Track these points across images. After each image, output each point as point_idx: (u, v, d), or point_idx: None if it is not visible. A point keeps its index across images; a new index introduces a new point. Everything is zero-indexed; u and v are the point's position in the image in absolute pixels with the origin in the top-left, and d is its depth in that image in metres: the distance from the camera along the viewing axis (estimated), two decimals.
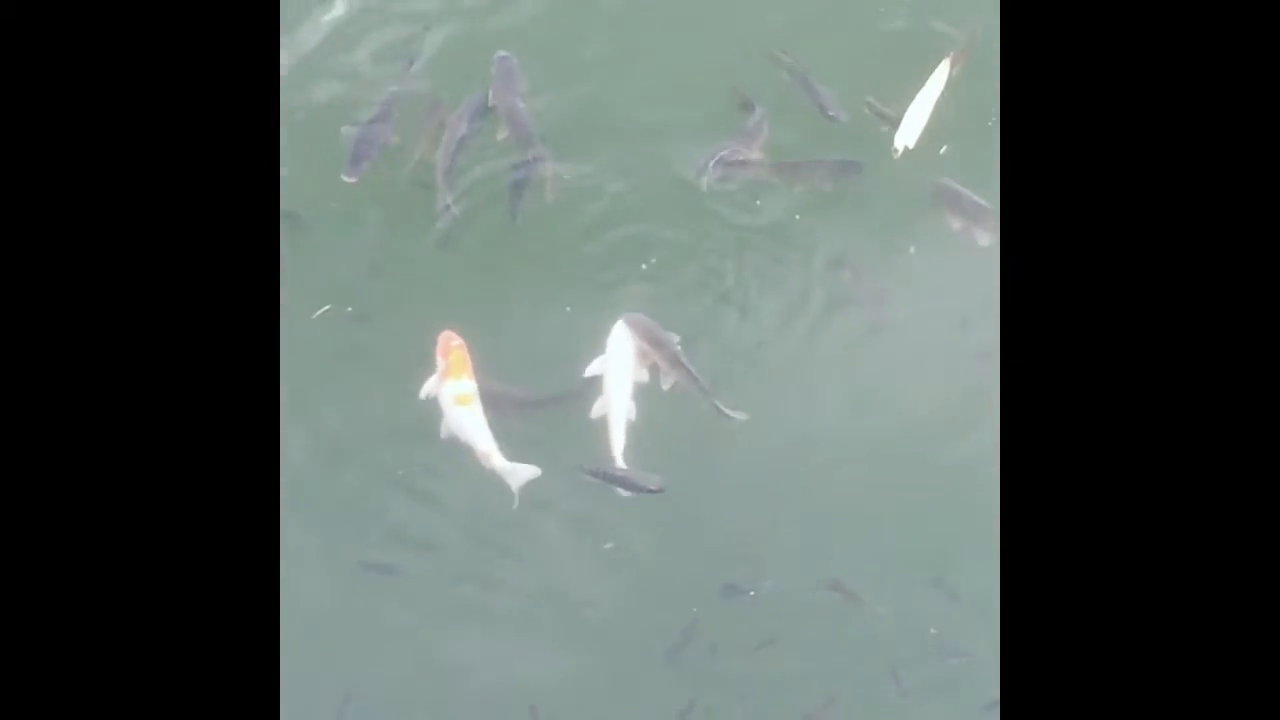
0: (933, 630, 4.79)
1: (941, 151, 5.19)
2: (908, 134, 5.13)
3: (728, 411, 4.66)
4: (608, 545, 4.87)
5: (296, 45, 5.42)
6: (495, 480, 4.63)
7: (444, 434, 4.69)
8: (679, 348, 4.74)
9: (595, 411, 4.73)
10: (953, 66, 5.21)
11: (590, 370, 4.75)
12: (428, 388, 4.72)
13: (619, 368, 4.73)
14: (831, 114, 5.24)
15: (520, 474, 4.61)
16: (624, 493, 4.62)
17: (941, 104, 5.18)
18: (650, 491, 4.62)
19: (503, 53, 5.25)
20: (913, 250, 5.21)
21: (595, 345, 4.78)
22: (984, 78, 3.90)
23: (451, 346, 4.72)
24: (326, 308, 4.99)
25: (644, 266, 5.09)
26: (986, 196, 4.97)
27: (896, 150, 5.14)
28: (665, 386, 4.76)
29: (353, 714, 4.74)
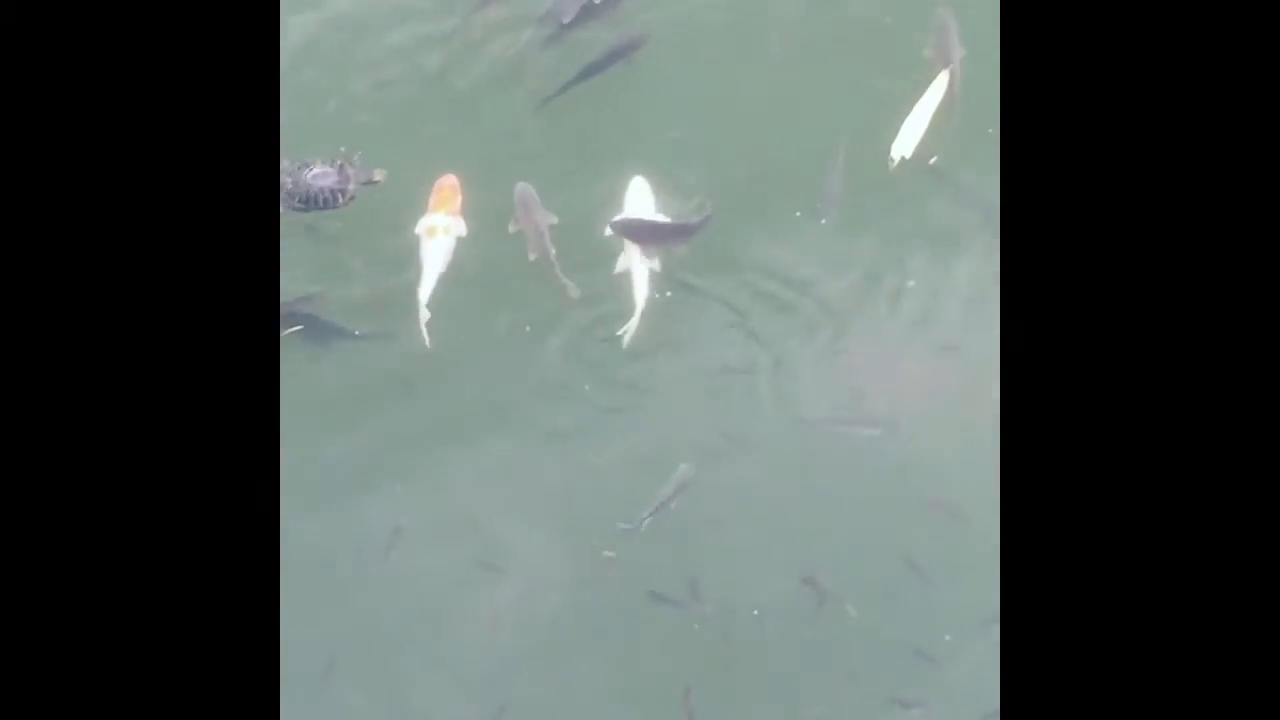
0: (947, 637, 4.79)
1: (932, 162, 5.20)
2: (905, 144, 5.15)
3: (569, 285, 4.94)
4: (607, 553, 4.87)
5: None
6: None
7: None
8: (545, 224, 4.99)
9: (618, 267, 5.00)
10: (951, 77, 5.23)
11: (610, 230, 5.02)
12: (420, 224, 5.04)
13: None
14: (821, 211, 5.22)
15: (422, 315, 4.90)
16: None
17: (939, 115, 5.19)
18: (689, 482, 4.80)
19: None
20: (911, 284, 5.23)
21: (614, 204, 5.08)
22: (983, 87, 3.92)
23: (445, 185, 5.06)
24: (298, 327, 4.97)
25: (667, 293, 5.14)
26: (986, 201, 5.00)
27: (893, 160, 5.15)
28: (532, 257, 5.00)
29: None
